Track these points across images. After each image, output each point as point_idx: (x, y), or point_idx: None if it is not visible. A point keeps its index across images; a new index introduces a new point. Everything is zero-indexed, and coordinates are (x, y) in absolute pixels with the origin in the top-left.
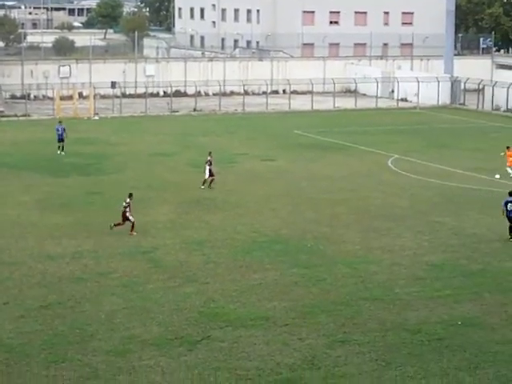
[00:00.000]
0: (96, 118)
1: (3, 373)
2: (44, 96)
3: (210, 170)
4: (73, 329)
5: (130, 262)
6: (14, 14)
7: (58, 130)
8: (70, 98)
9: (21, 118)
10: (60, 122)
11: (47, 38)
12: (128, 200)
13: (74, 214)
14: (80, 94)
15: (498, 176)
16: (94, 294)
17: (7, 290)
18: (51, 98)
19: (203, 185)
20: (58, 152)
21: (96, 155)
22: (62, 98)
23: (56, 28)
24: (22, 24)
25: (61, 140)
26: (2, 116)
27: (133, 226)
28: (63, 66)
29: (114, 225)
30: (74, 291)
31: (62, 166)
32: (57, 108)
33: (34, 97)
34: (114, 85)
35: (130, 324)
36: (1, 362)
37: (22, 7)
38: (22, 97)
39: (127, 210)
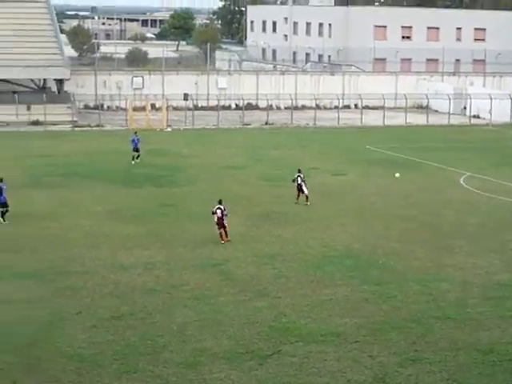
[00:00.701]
0: (168, 129)
1: (75, 382)
2: (117, 107)
3: (301, 186)
4: (144, 340)
5: (202, 274)
6: (88, 24)
7: (133, 141)
8: (143, 109)
9: (94, 128)
10: (135, 132)
11: (120, 49)
12: (222, 207)
13: (146, 224)
14: (153, 106)
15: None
16: (166, 305)
17: (80, 299)
18: (124, 109)
19: (307, 201)
20: (133, 162)
21: (168, 167)
22: (134, 109)
23: (129, 39)
24: (96, 34)
25: (136, 150)
26: (76, 126)
27: (227, 234)
28: (136, 77)
29: (222, 239)
30: (146, 302)
31: (134, 176)
32: (130, 119)
33: (108, 107)
34: (186, 97)
35: (202, 336)
36: (72, 372)
37: (96, 18)
38: (96, 107)
39: (225, 216)
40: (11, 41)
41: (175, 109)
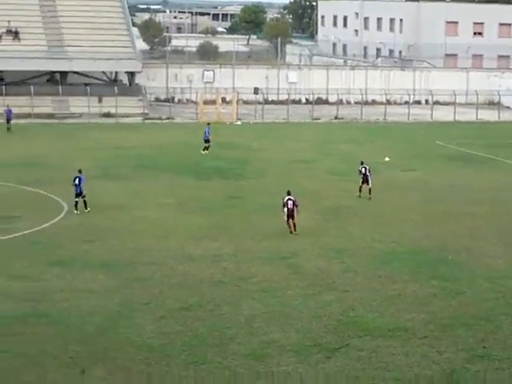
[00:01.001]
0: (238, 123)
1: (143, 372)
2: (187, 100)
3: (367, 177)
4: (212, 331)
5: (270, 266)
6: (159, 17)
7: (206, 132)
8: (213, 102)
9: (165, 121)
10: (208, 124)
11: (191, 43)
12: (293, 198)
13: (214, 216)
14: (223, 99)
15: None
16: (234, 297)
17: (149, 290)
18: (194, 102)
19: (370, 194)
20: (202, 152)
21: (237, 160)
22: (205, 103)
23: (200, 32)
24: (167, 28)
25: (206, 141)
26: (147, 118)
27: (295, 226)
28: (207, 70)
29: (290, 229)
30: (215, 294)
31: (203, 169)
32: (200, 112)
33: (178, 100)
34: (256, 90)
35: (269, 329)
36: (141, 361)
37: (167, 11)
38: (166, 100)
39: (295, 207)
40: (84, 34)
41: (245, 102)
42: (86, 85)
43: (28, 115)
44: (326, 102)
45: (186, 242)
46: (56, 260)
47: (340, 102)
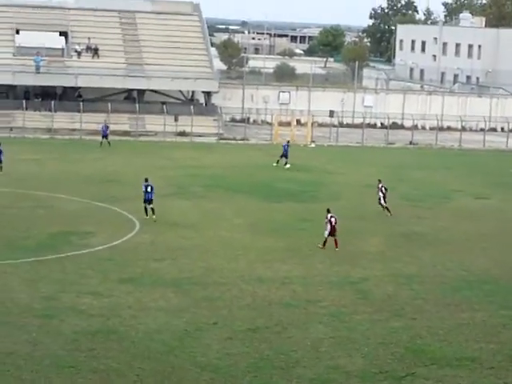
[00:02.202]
0: (312, 145)
1: None
2: (263, 121)
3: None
4: (278, 354)
5: (339, 291)
6: (238, 38)
7: (284, 147)
8: (288, 124)
9: (239, 142)
10: (288, 141)
11: (269, 64)
12: (334, 215)
13: (285, 239)
14: (298, 121)
15: None
16: (302, 320)
17: (217, 310)
18: (270, 124)
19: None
20: (274, 164)
21: (310, 182)
22: (280, 124)
23: (278, 54)
24: (245, 48)
25: (283, 156)
26: (221, 138)
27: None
28: (283, 92)
29: (324, 247)
30: (282, 316)
31: (276, 191)
32: (275, 133)
33: (253, 121)
34: (332, 113)
35: (335, 354)
36: (206, 382)
37: (246, 32)
38: (242, 120)
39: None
40: (163, 52)
41: (320, 125)
42: (162, 103)
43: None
44: (402, 126)
45: (255, 263)
46: (126, 277)
47: (415, 128)
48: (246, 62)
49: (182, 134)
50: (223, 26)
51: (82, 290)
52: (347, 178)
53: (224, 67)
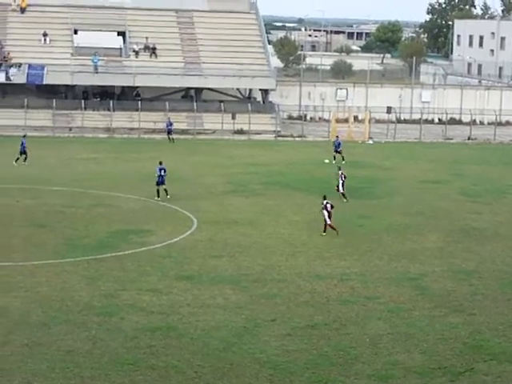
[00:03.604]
0: (370, 142)
1: None
2: (320, 118)
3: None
4: (337, 350)
5: (397, 287)
6: (295, 35)
7: (335, 143)
8: (346, 121)
9: (296, 139)
10: (337, 136)
11: (325, 61)
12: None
13: (343, 235)
14: (355, 118)
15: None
16: (360, 317)
17: (275, 306)
18: (327, 120)
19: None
20: (326, 160)
21: (368, 179)
22: (337, 121)
23: (335, 51)
24: (302, 46)
25: (336, 151)
26: (279, 136)
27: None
28: (340, 89)
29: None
30: (341, 313)
31: (333, 187)
32: (332, 130)
33: (310, 118)
34: (389, 110)
35: (394, 350)
36: (265, 379)
37: (303, 29)
38: (299, 117)
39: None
40: (220, 51)
41: (377, 121)
42: (220, 101)
43: (162, 130)
44: (459, 122)
45: (314, 260)
46: (185, 274)
47: (473, 123)
48: (303, 60)
49: (240, 131)
50: (280, 24)
51: (142, 287)
52: (405, 173)
53: (281, 65)
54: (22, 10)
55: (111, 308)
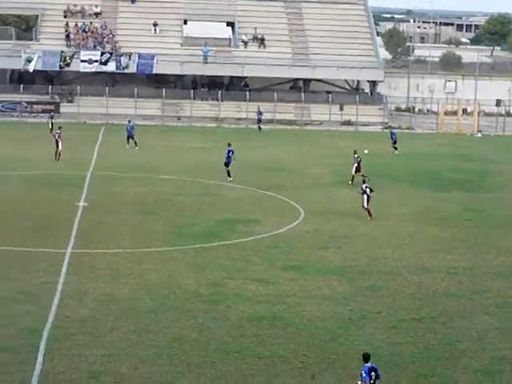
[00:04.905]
0: (479, 135)
1: None
2: (428, 110)
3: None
4: (443, 344)
5: (505, 282)
6: (403, 27)
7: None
8: (454, 113)
9: (404, 131)
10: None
11: (434, 53)
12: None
13: (450, 229)
14: (464, 110)
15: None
16: (467, 311)
17: (381, 299)
18: (435, 113)
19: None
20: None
21: (477, 172)
22: (445, 113)
23: (443, 43)
24: (410, 37)
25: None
26: (386, 127)
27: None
28: (449, 81)
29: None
30: (447, 306)
31: (442, 180)
32: (440, 123)
33: (419, 110)
34: (499, 103)
35: (502, 345)
36: None
37: (411, 21)
38: (407, 109)
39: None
40: (329, 42)
41: (486, 114)
42: (327, 92)
43: (270, 121)
44: None
45: (420, 252)
46: (291, 264)
47: None
48: (412, 51)
49: (348, 123)
50: (388, 15)
51: (248, 276)
52: None
53: (389, 56)
54: (133, 1)
55: (218, 296)
